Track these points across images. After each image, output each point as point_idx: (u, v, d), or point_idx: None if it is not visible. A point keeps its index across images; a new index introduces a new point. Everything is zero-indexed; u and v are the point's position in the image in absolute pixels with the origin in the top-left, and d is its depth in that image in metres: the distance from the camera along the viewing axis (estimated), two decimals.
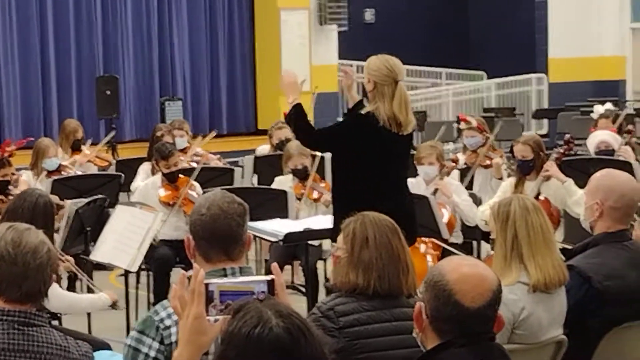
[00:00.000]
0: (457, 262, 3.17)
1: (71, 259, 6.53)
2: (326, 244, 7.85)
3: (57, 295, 5.86)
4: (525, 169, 7.51)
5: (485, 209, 7.43)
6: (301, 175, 8.58)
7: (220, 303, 2.80)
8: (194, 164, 9.67)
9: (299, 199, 8.43)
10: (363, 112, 6.02)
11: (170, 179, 8.37)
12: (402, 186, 6.13)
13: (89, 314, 7.06)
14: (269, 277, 2.82)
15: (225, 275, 3.43)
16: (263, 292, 2.78)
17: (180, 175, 8.45)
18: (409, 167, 6.44)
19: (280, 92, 18.27)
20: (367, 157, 5.90)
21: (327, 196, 8.28)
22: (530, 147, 7.51)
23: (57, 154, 9.64)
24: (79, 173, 9.49)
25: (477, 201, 8.07)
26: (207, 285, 2.81)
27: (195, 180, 8.50)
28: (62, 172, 9.31)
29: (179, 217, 8.16)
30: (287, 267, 8.74)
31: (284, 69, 6.45)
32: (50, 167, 9.30)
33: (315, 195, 8.55)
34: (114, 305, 6.23)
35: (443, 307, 3.06)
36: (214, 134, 11.22)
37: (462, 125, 9.37)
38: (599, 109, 9.93)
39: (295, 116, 6.06)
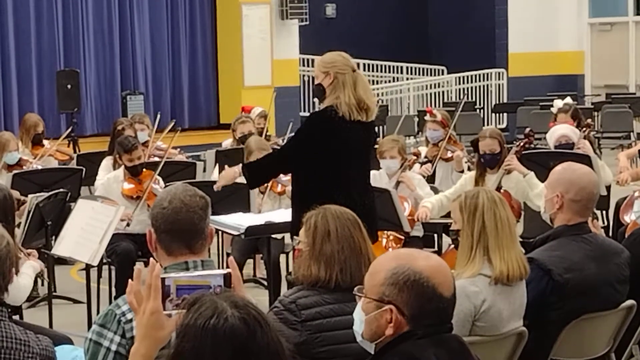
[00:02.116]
0: (419, 256, 3.09)
1: (35, 252, 6.48)
2: (288, 237, 7.85)
3: (20, 288, 5.82)
4: (493, 163, 7.53)
5: (438, 197, 7.49)
6: None
7: (177, 297, 2.79)
8: (156, 158, 9.64)
9: (263, 193, 8.42)
10: (321, 108, 5.98)
11: (134, 173, 8.32)
12: (364, 179, 6.10)
13: (50, 309, 7.03)
14: (225, 271, 2.82)
15: (187, 269, 3.42)
16: (220, 285, 2.77)
17: (144, 169, 8.42)
18: (372, 157, 6.42)
19: (243, 86, 18.15)
20: (328, 153, 5.87)
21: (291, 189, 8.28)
22: (498, 141, 7.56)
23: (18, 147, 9.59)
24: (39, 167, 9.44)
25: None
26: (163, 279, 2.80)
27: (158, 174, 8.47)
28: (23, 166, 9.26)
29: (142, 211, 8.11)
30: (249, 261, 8.74)
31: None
32: (11, 161, 9.27)
33: (279, 188, 8.54)
34: (39, 274, 6.21)
35: (428, 303, 2.99)
36: (172, 123, 11.26)
37: (427, 117, 9.40)
38: (558, 104, 9.99)
39: (253, 173, 6.09)
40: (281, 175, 8.54)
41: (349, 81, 5.83)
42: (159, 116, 10.97)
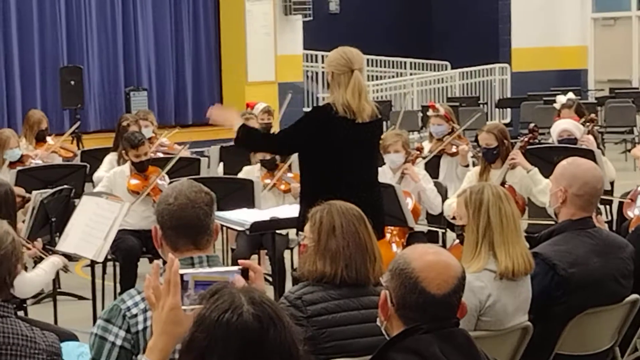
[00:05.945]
0: (422, 250, 3.18)
1: (38, 243, 6.49)
2: (293, 233, 7.85)
3: (25, 282, 5.82)
4: (489, 157, 7.56)
5: (452, 202, 7.47)
6: (269, 166, 8.58)
7: (195, 293, 2.80)
8: (160, 154, 9.65)
9: (264, 188, 8.41)
10: (322, 103, 6.06)
11: (140, 169, 8.32)
12: (368, 175, 6.11)
13: (55, 306, 7.03)
14: (242, 267, 2.85)
15: (193, 265, 3.42)
16: None
17: (150, 165, 8.42)
18: (377, 156, 6.44)
19: (246, 82, 18.09)
20: (329, 147, 5.90)
21: (297, 186, 8.28)
22: (494, 136, 7.56)
23: (19, 144, 9.59)
24: (41, 163, 9.43)
25: (443, 189, 8.11)
26: (182, 275, 2.81)
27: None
28: (25, 163, 9.26)
29: (147, 207, 8.11)
30: (254, 257, 8.74)
31: (209, 113, 6.38)
32: (13, 158, 9.27)
33: (283, 186, 8.54)
34: (64, 268, 6.28)
35: (409, 295, 3.07)
36: (176, 130, 11.36)
37: (430, 112, 9.40)
38: (561, 99, 9.99)
39: (247, 136, 6.08)
40: (288, 173, 8.58)
41: (343, 82, 5.90)
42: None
